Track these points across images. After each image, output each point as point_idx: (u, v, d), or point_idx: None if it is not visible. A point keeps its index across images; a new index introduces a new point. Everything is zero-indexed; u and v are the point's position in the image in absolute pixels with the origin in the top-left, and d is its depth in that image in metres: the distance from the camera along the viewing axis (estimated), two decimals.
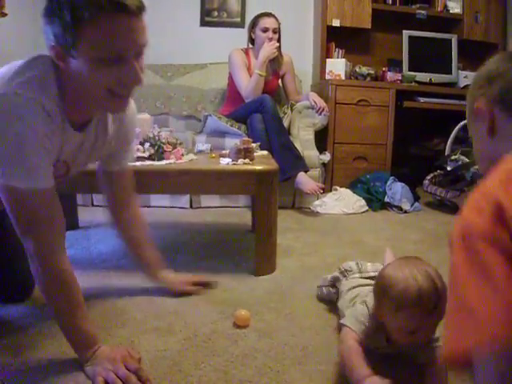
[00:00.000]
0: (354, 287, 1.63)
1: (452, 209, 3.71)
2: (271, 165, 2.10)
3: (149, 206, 3.40)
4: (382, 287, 1.31)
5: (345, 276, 1.73)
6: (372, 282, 1.51)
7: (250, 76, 3.63)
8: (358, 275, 1.71)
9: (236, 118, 3.51)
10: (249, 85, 3.59)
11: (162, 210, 3.37)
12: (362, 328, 1.38)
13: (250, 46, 3.86)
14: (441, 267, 1.24)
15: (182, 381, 1.31)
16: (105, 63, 1.18)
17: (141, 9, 1.22)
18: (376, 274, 1.54)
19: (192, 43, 4.52)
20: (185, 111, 4.12)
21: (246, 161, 2.11)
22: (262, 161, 2.19)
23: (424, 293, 1.22)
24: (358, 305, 1.50)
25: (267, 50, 3.55)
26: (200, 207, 3.46)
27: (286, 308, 1.83)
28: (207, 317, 1.73)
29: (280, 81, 3.97)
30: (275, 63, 3.77)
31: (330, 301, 1.82)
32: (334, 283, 1.78)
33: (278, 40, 3.71)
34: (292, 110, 3.76)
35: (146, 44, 1.28)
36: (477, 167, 3.68)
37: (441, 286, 1.24)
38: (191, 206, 3.47)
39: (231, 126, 3.43)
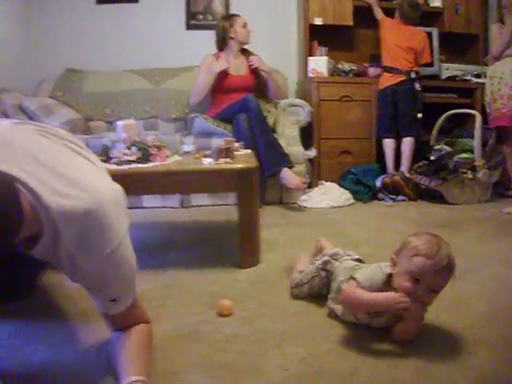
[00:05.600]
0: (351, 267, 1.74)
1: (436, 198, 3.81)
2: (251, 163, 2.21)
3: (141, 207, 3.51)
4: (407, 241, 1.56)
5: (335, 259, 1.84)
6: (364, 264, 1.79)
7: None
8: (348, 258, 1.84)
9: (222, 119, 3.62)
10: (195, 87, 3.82)
11: (153, 210, 3.48)
12: (367, 285, 1.58)
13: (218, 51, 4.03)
14: None
15: (168, 367, 1.41)
16: None
17: None
18: (360, 257, 1.85)
19: (178, 46, 4.60)
20: (173, 114, 4.21)
21: (227, 160, 2.21)
22: (242, 159, 2.29)
23: (441, 254, 1.50)
24: (367, 268, 1.71)
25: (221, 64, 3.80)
26: (191, 206, 3.57)
27: (269, 297, 1.93)
28: (192, 308, 1.83)
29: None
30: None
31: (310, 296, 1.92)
32: (325, 267, 1.85)
33: None
34: (276, 108, 3.86)
35: None
36: (459, 156, 3.79)
37: (451, 269, 1.52)
38: (182, 206, 3.57)
39: (217, 126, 3.53)
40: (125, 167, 2.15)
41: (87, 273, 1.19)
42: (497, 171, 3.91)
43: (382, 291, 1.55)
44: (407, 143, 4.06)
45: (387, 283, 1.58)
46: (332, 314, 1.73)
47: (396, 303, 1.49)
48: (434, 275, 1.50)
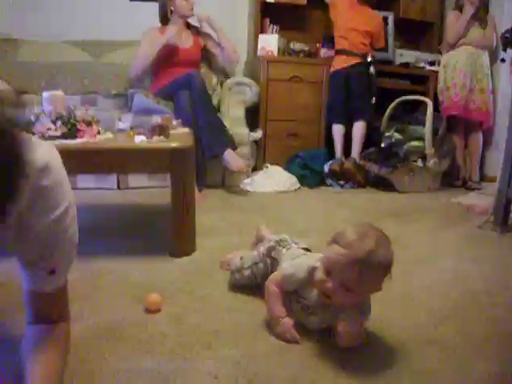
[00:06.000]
0: (297, 256, 1.58)
1: (386, 185, 3.73)
2: (186, 142, 2.02)
3: (75, 189, 3.25)
4: (339, 230, 1.39)
5: (282, 246, 1.67)
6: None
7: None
8: (295, 245, 1.67)
9: (164, 96, 3.41)
10: (136, 59, 3.66)
11: (88, 192, 3.24)
12: (288, 277, 1.48)
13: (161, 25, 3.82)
14: None
15: (81, 372, 1.23)
16: None
17: None
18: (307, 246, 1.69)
19: (121, 19, 4.31)
20: (113, 90, 3.96)
21: (161, 138, 2.02)
22: (177, 138, 2.10)
23: (361, 246, 1.29)
24: (299, 259, 1.54)
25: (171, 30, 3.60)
26: (128, 188, 3.35)
27: (202, 290, 1.77)
28: (118, 302, 1.65)
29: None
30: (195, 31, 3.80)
31: (248, 286, 1.76)
32: (270, 253, 1.69)
33: None
34: (222, 86, 3.68)
35: None
36: (410, 144, 3.71)
37: (370, 266, 1.28)
38: (119, 187, 3.35)
39: (158, 103, 3.31)
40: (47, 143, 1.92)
41: (34, 236, 1.08)
42: (446, 160, 3.87)
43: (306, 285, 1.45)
44: (359, 128, 3.90)
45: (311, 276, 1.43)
46: None
47: (273, 319, 1.46)
48: (346, 268, 1.30)
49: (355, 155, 3.89)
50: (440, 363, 1.36)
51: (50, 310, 1.23)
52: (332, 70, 3.96)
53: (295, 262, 1.53)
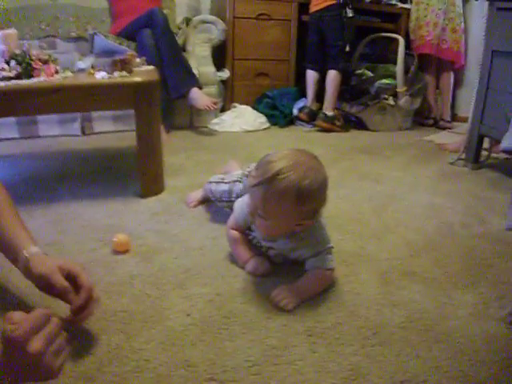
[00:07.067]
0: None
1: (357, 124, 3.67)
2: (150, 76, 1.91)
3: (37, 137, 3.11)
4: None
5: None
6: None
7: None
8: None
9: (126, 36, 3.25)
10: None
11: (52, 139, 3.09)
12: (240, 213, 1.44)
13: None
14: (339, 182, 1.17)
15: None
16: None
17: None
18: None
19: None
20: (73, 32, 3.76)
21: (123, 73, 1.91)
22: (141, 74, 1.98)
23: (270, 167, 1.20)
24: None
25: None
26: (93, 133, 3.21)
27: (172, 230, 1.71)
28: (85, 244, 1.59)
29: None
30: None
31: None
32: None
33: None
34: (188, 25, 3.53)
35: None
36: (381, 82, 3.63)
37: (280, 187, 1.18)
38: (83, 133, 3.21)
39: (120, 43, 3.16)
40: (1, 84, 1.80)
41: None
42: (418, 99, 3.81)
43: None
44: (331, 78, 3.55)
45: None
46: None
47: (241, 263, 1.44)
48: (254, 192, 1.24)
49: (327, 108, 3.59)
50: (419, 294, 1.34)
51: None
52: (309, 12, 3.75)
53: (242, 198, 1.48)
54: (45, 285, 1.07)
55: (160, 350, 1.07)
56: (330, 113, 3.55)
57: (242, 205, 1.44)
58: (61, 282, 1.05)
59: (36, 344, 0.82)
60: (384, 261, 1.52)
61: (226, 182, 1.71)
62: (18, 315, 0.85)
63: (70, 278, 1.07)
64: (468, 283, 1.41)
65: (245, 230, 1.47)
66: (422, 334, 1.16)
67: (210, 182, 1.77)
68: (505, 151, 1.74)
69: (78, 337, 1.09)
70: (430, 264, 1.52)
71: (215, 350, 1.07)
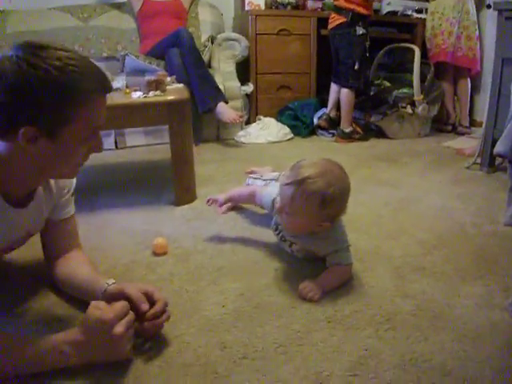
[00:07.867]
0: None
1: (377, 132, 3.79)
2: (182, 95, 2.09)
3: None
4: None
5: None
6: None
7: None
8: None
9: (154, 55, 3.44)
10: None
11: None
12: (265, 195, 1.72)
13: None
14: (358, 188, 1.32)
15: None
16: (86, 141, 1.12)
17: None
18: None
19: None
20: (104, 53, 3.97)
21: (158, 93, 2.08)
22: (173, 92, 2.16)
23: (300, 171, 1.39)
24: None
25: None
26: (126, 147, 3.41)
27: (205, 233, 1.87)
28: (127, 248, 1.76)
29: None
30: None
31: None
32: None
33: None
34: (212, 42, 3.71)
35: None
36: (399, 91, 3.76)
37: (301, 187, 1.37)
38: (117, 147, 3.41)
39: (149, 63, 3.35)
40: None
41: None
42: (435, 106, 3.92)
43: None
44: (343, 96, 3.61)
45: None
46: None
47: None
48: (284, 190, 1.42)
49: (342, 123, 3.66)
50: (429, 286, 1.47)
51: (66, 239, 1.45)
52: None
53: (272, 187, 1.71)
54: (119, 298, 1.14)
55: (199, 334, 1.23)
56: (346, 129, 3.65)
57: (271, 191, 1.68)
58: (135, 291, 1.17)
59: (119, 328, 1.04)
60: (397, 258, 1.66)
61: (263, 179, 1.95)
62: (103, 304, 1.07)
63: (147, 297, 1.19)
64: (476, 277, 1.53)
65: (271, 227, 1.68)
66: (431, 320, 1.29)
67: (250, 177, 2.03)
68: (499, 156, 1.84)
69: None
70: (440, 260, 1.65)
71: (247, 334, 1.23)
